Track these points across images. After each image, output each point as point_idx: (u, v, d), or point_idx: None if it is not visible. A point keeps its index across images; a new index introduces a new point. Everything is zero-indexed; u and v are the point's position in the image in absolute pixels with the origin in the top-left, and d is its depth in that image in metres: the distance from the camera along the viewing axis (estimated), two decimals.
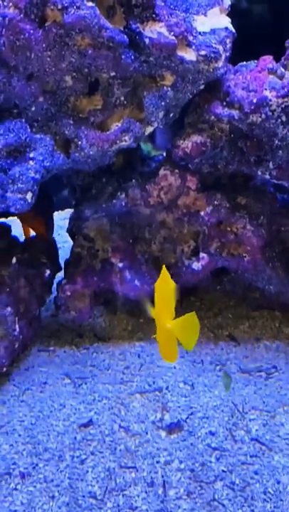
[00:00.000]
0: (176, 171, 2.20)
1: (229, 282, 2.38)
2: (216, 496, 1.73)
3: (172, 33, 1.98)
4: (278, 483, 1.77)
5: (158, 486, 1.75)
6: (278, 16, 2.69)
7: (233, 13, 2.15)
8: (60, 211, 3.21)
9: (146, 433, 1.92)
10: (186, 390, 2.07)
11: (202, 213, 2.22)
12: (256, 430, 1.94)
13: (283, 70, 2.07)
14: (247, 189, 2.26)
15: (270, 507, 1.71)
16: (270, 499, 1.73)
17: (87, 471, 1.79)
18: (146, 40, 1.96)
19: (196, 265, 2.23)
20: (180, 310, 2.35)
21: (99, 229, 2.26)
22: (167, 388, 2.07)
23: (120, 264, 2.24)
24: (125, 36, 1.94)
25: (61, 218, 2.90)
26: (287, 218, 2.26)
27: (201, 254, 2.23)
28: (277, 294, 2.27)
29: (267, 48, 2.17)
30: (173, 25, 1.98)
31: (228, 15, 2.10)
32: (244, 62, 2.19)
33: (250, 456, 1.85)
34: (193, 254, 2.26)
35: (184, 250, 2.27)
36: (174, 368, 2.16)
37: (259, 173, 2.15)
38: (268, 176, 2.14)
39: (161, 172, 2.21)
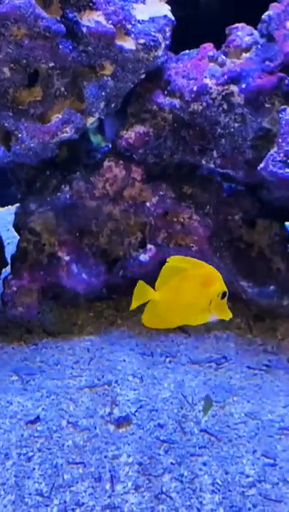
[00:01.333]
0: (121, 162, 2.18)
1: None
2: (164, 489, 1.71)
3: (110, 22, 1.95)
4: (227, 473, 1.76)
5: (105, 480, 1.73)
6: (225, 3, 2.67)
7: (181, 1, 2.13)
8: (10, 206, 3.18)
9: (95, 428, 1.89)
10: (135, 383, 2.05)
11: (148, 204, 2.20)
12: (205, 421, 1.92)
13: (224, 57, 2.06)
14: (193, 179, 2.25)
15: (219, 498, 1.70)
16: (219, 490, 1.71)
17: (34, 469, 1.76)
18: (84, 29, 1.94)
19: (144, 257, 2.21)
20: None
21: (45, 223, 2.23)
22: (116, 382, 2.05)
23: (67, 258, 2.22)
24: (62, 26, 1.92)
25: (11, 213, 2.85)
26: (235, 207, 2.24)
27: (148, 246, 2.21)
28: (226, 283, 2.25)
29: (215, 36, 2.16)
30: (111, 13, 1.95)
31: (167, 2, 2.08)
32: (187, 51, 2.17)
33: (199, 448, 1.84)
34: (141, 246, 2.24)
35: (131, 242, 2.25)
36: (124, 361, 2.14)
37: (203, 162, 2.13)
38: (212, 165, 2.13)
39: (106, 163, 2.19)
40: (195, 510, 1.66)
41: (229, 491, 1.71)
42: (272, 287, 2.21)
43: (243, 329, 2.30)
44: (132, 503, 1.67)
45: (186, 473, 1.76)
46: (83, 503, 1.66)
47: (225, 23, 2.17)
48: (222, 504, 1.68)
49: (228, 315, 1.49)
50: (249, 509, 1.67)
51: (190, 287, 1.48)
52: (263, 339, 2.26)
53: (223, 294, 1.50)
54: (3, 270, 2.37)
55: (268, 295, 2.22)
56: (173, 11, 2.10)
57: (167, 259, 1.51)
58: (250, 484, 1.73)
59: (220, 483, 1.73)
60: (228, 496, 1.70)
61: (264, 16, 2.09)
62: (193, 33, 2.15)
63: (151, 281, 2.36)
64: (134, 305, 1.50)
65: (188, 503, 1.68)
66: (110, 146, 2.25)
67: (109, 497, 1.69)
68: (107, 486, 1.71)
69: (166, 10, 2.04)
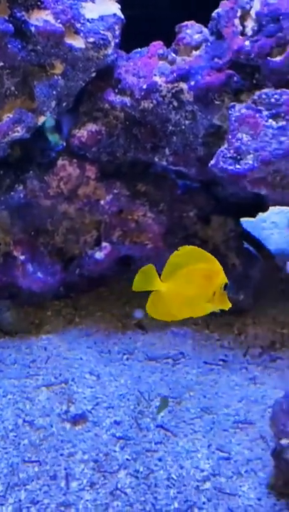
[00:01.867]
0: (75, 160, 2.19)
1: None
2: (119, 485, 1.72)
3: (59, 21, 1.96)
4: (182, 468, 1.77)
5: (61, 478, 1.74)
6: (176, 1, 2.68)
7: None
8: None
9: (51, 426, 1.90)
10: (92, 380, 2.06)
11: (102, 202, 2.20)
12: (162, 417, 1.94)
13: (174, 55, 2.07)
14: (147, 176, 2.26)
15: (173, 493, 1.71)
16: (174, 485, 1.73)
17: None
18: (33, 29, 1.94)
19: (99, 255, 2.22)
20: (90, 301, 2.38)
21: None
22: (73, 380, 2.06)
23: (22, 257, 2.22)
24: (10, 25, 1.91)
25: None
26: (189, 204, 2.26)
27: (104, 244, 2.22)
28: None
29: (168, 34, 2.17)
30: (59, 12, 1.96)
31: (117, 1, 2.09)
32: (138, 49, 2.18)
33: (155, 444, 1.85)
34: (96, 244, 2.25)
35: (86, 240, 2.25)
36: (81, 359, 2.15)
37: (156, 159, 2.15)
38: (164, 163, 2.14)
39: (60, 162, 2.19)
40: (150, 506, 1.67)
41: (184, 485, 1.73)
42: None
43: (200, 325, 2.31)
44: (87, 500, 1.68)
45: (141, 469, 1.77)
46: (38, 501, 1.67)
47: (177, 22, 2.18)
48: (177, 499, 1.69)
49: (228, 305, 1.52)
50: (203, 503, 1.68)
51: (196, 280, 1.50)
52: (219, 334, 2.27)
53: (224, 286, 1.53)
54: None
55: None
56: (123, 10, 2.11)
57: (178, 248, 1.52)
58: (205, 478, 1.75)
59: (175, 478, 1.75)
60: (182, 490, 1.71)
61: (213, 14, 2.11)
62: (146, 32, 2.16)
63: (107, 279, 2.38)
64: (136, 287, 1.50)
65: (142, 498, 1.69)
66: (64, 144, 2.26)
67: (64, 494, 1.69)
68: (62, 484, 1.72)
69: (115, 8, 2.05)
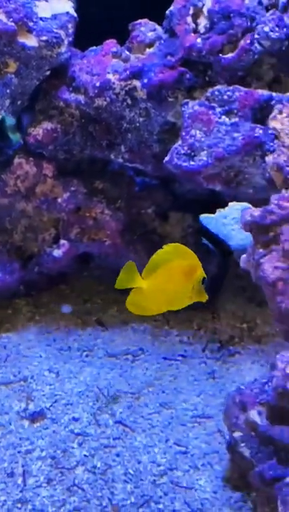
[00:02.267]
0: (31, 158, 2.19)
1: (96, 268, 2.38)
2: (76, 481, 1.73)
3: (11, 19, 1.96)
4: (139, 463, 1.79)
5: (18, 475, 1.75)
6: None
7: None
8: None
9: (10, 424, 1.91)
10: (51, 377, 2.07)
11: (60, 200, 2.21)
12: (120, 413, 1.95)
13: (128, 53, 2.08)
14: (104, 174, 2.27)
15: (130, 487, 1.72)
16: (131, 480, 1.74)
17: None
18: None
19: (57, 252, 2.23)
20: (51, 299, 2.38)
21: None
22: (32, 377, 2.06)
23: None
24: None
25: None
26: (147, 201, 2.27)
27: (62, 241, 2.23)
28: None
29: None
30: (11, 11, 1.96)
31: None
32: (93, 47, 2.18)
33: (113, 439, 1.86)
34: (55, 242, 2.25)
35: (45, 238, 2.26)
36: (40, 356, 2.15)
37: (112, 157, 2.16)
38: (120, 160, 2.15)
39: (16, 160, 2.19)
40: (106, 501, 1.69)
41: (141, 480, 1.74)
42: None
43: (160, 321, 2.32)
44: (44, 497, 1.69)
45: (99, 465, 1.78)
46: None
47: (133, 20, 2.19)
48: (133, 493, 1.71)
49: (205, 297, 1.55)
50: (160, 497, 1.70)
51: (175, 276, 1.53)
52: (179, 330, 2.29)
53: (203, 280, 1.55)
54: None
55: None
56: (79, 9, 2.12)
57: (163, 246, 1.54)
58: (162, 472, 1.77)
59: (132, 472, 1.76)
60: (139, 485, 1.73)
61: (167, 12, 2.12)
62: (103, 30, 2.17)
63: (67, 276, 2.39)
64: (119, 285, 1.51)
65: (99, 493, 1.70)
66: (22, 142, 2.26)
67: (21, 491, 1.70)
68: (19, 481, 1.73)
69: (68, 7, 2.06)
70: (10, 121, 2.61)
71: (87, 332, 2.28)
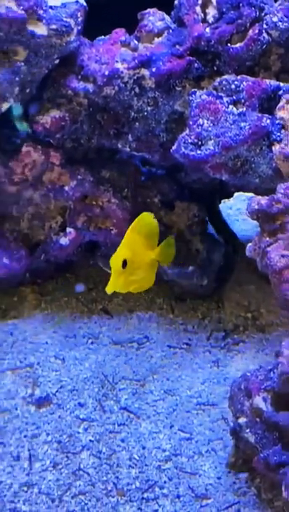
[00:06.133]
0: (39, 147, 2.20)
1: (102, 256, 2.39)
2: (82, 466, 1.75)
3: (21, 7, 1.97)
4: (144, 448, 1.80)
5: (24, 459, 1.76)
6: None
7: None
8: None
9: (16, 409, 1.92)
10: (57, 364, 2.08)
11: (67, 188, 2.22)
12: (125, 399, 1.97)
13: (136, 42, 2.10)
14: (112, 162, 2.28)
15: (135, 472, 1.74)
16: (135, 465, 1.76)
17: None
18: None
19: (64, 240, 2.24)
20: (57, 286, 2.39)
21: None
22: (38, 364, 2.08)
23: None
24: None
25: None
26: (153, 190, 2.28)
27: (68, 229, 2.24)
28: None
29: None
30: None
31: None
32: (102, 37, 2.19)
33: (118, 425, 1.88)
34: (61, 230, 2.26)
35: (51, 226, 2.27)
36: (46, 343, 2.17)
37: (119, 146, 2.17)
38: (127, 149, 2.16)
39: (24, 149, 2.20)
40: (111, 485, 1.70)
41: (146, 465, 1.76)
42: (191, 268, 2.25)
43: (165, 309, 2.34)
44: (50, 480, 1.71)
45: (104, 450, 1.80)
46: (1, 482, 1.70)
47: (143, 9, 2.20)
48: (138, 478, 1.73)
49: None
50: (164, 482, 1.72)
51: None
52: (184, 319, 2.30)
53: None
54: None
55: (188, 276, 2.26)
56: None
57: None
58: (166, 458, 1.78)
59: (137, 458, 1.78)
60: (144, 470, 1.75)
61: (176, 1, 2.13)
62: (112, 19, 2.18)
63: (73, 264, 2.40)
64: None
65: (104, 478, 1.72)
66: (30, 131, 2.27)
67: (28, 475, 1.72)
68: (26, 465, 1.75)
69: None
70: (16, 110, 2.62)
71: (92, 320, 2.30)
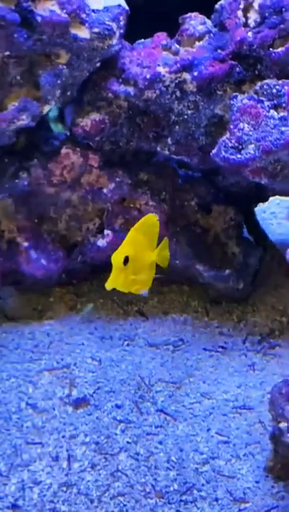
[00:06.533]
0: (78, 149, 2.22)
1: None
2: (120, 467, 1.75)
3: (64, 11, 1.99)
4: (181, 451, 1.81)
5: (63, 459, 1.77)
6: None
7: None
8: None
9: (54, 409, 1.93)
10: (93, 365, 2.09)
11: (105, 190, 2.24)
12: (162, 402, 1.97)
13: (178, 46, 2.11)
14: (149, 165, 2.29)
15: (173, 475, 1.74)
16: (173, 467, 1.76)
17: None
18: (39, 19, 1.97)
19: (102, 242, 2.25)
20: (92, 288, 2.40)
21: (3, 210, 2.25)
22: (75, 364, 2.09)
23: (26, 244, 2.25)
24: (17, 15, 1.94)
25: None
26: (190, 193, 2.29)
27: (106, 231, 2.25)
28: (183, 268, 2.31)
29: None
30: (65, 2, 1.99)
31: None
32: (142, 40, 2.21)
33: (155, 427, 1.88)
34: (99, 232, 2.28)
35: (89, 228, 2.29)
36: (83, 344, 2.18)
37: (158, 149, 2.18)
38: (167, 152, 2.17)
39: (63, 151, 2.22)
40: (150, 487, 1.71)
41: (183, 467, 1.76)
42: (227, 271, 2.26)
43: (200, 312, 2.35)
44: (88, 481, 1.72)
45: (141, 452, 1.80)
46: (40, 482, 1.70)
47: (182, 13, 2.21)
48: (176, 481, 1.73)
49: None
50: (202, 485, 1.72)
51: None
52: (219, 322, 2.31)
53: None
54: None
55: (224, 279, 2.27)
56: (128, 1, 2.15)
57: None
58: (204, 461, 1.78)
59: (174, 460, 1.78)
60: (182, 472, 1.75)
61: (217, 6, 2.14)
62: (151, 23, 2.19)
63: (109, 266, 2.41)
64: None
65: (143, 479, 1.72)
66: (68, 133, 2.29)
67: (66, 475, 1.73)
68: (64, 465, 1.75)
69: None
70: (52, 112, 2.64)
71: (128, 322, 2.31)
